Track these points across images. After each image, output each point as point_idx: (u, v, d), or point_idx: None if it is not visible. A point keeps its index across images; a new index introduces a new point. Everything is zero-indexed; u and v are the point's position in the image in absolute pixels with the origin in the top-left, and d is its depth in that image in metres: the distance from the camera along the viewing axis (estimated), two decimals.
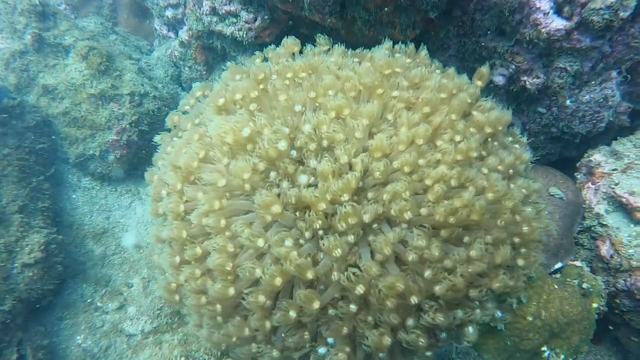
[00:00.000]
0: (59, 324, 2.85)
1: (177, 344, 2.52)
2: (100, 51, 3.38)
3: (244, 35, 3.23)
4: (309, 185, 1.83)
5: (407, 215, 1.72)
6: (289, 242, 1.72)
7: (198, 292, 1.89)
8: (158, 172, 2.36)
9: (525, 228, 1.95)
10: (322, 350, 1.84)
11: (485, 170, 1.98)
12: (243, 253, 1.84)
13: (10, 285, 2.61)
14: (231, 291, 1.78)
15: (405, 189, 1.74)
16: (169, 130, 2.62)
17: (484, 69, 2.35)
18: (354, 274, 1.70)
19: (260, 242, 1.72)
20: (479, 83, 2.28)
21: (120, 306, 2.92)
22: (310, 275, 1.69)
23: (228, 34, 3.29)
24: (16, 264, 2.65)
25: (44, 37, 3.33)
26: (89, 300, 2.96)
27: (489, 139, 2.21)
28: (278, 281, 1.69)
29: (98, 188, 3.47)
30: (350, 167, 1.87)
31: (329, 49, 2.50)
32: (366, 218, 1.72)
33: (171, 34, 4.05)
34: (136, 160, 3.50)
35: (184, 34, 3.65)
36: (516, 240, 1.97)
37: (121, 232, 3.26)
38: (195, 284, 1.86)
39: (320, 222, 1.73)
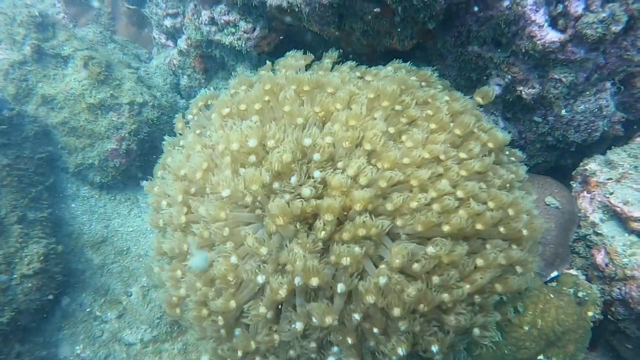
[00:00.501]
0: (57, 334, 2.86)
1: (177, 353, 2.53)
2: (99, 60, 3.40)
3: (243, 45, 3.26)
4: (312, 198, 1.86)
5: (419, 228, 1.75)
6: (298, 249, 1.73)
7: (200, 304, 1.90)
8: (158, 183, 2.38)
9: (525, 232, 2.00)
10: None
11: (483, 186, 2.02)
12: (247, 261, 1.86)
13: (9, 297, 2.61)
14: (232, 304, 1.79)
15: (415, 201, 1.78)
16: (172, 136, 2.64)
17: (489, 90, 2.40)
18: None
19: (264, 250, 1.74)
20: (480, 100, 2.32)
21: (119, 315, 2.93)
22: (314, 282, 1.70)
23: (227, 43, 3.31)
24: (15, 275, 2.65)
25: (43, 48, 3.35)
26: (88, 310, 2.96)
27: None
28: (283, 291, 1.71)
29: (97, 197, 3.48)
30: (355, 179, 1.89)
31: (335, 63, 2.53)
32: (374, 232, 1.76)
33: (170, 43, 4.07)
34: (135, 169, 3.52)
35: (182, 43, 3.67)
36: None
37: (120, 241, 3.27)
38: (196, 297, 1.87)
39: (324, 232, 1.75)
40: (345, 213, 1.85)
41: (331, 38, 2.98)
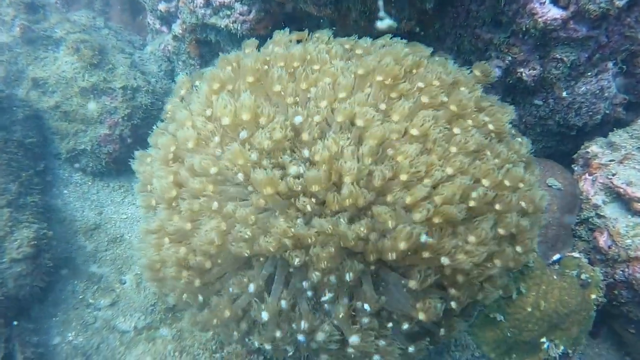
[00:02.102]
0: (49, 321, 2.79)
1: (170, 339, 2.46)
2: (92, 44, 3.32)
3: (239, 28, 3.20)
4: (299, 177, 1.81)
5: (408, 201, 1.69)
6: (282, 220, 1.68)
7: (180, 266, 1.86)
8: (148, 161, 2.31)
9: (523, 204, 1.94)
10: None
11: (478, 163, 1.96)
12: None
13: None
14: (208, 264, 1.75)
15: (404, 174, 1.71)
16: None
17: (488, 65, 2.33)
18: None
19: (252, 219, 1.69)
20: (479, 75, 2.25)
21: (112, 303, 2.86)
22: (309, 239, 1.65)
23: (222, 26, 3.25)
24: (4, 259, 2.58)
25: (33, 30, 3.27)
26: (80, 297, 2.89)
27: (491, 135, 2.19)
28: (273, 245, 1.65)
29: (90, 184, 3.40)
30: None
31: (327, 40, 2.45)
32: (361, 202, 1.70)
33: (164, 29, 4.00)
34: (129, 155, 3.44)
35: (177, 28, 3.60)
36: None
37: (114, 228, 3.20)
38: (177, 257, 1.82)
39: (309, 206, 1.70)
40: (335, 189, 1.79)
41: (328, 20, 2.93)
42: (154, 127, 2.45)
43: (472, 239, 1.76)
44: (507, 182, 1.94)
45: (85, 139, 3.29)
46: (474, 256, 1.73)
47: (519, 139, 2.21)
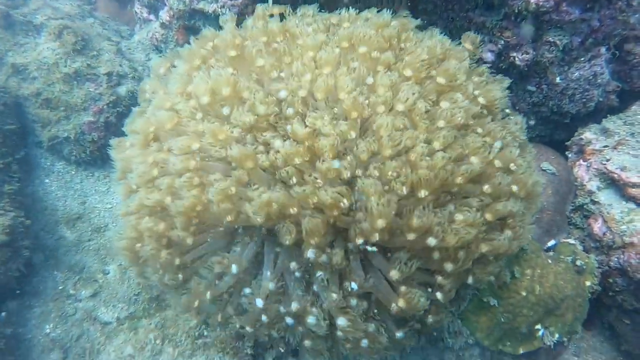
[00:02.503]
0: (25, 312, 2.67)
1: (153, 327, 2.36)
2: (74, 30, 3.24)
3: (227, 12, 3.13)
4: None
5: (390, 176, 1.62)
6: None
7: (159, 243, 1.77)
8: (128, 145, 2.23)
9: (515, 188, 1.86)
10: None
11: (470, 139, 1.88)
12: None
13: None
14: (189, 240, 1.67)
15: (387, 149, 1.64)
16: None
17: (471, 34, 2.24)
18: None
19: (233, 190, 1.61)
20: (469, 47, 2.19)
21: (94, 293, 2.75)
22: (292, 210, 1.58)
23: (210, 12, 3.19)
24: None
25: (11, 14, 3.17)
26: (60, 288, 2.78)
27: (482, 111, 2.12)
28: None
29: (73, 173, 3.30)
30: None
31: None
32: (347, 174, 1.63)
33: (152, 17, 3.92)
34: None
35: (164, 15, 3.52)
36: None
37: (98, 218, 3.10)
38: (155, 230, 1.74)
39: (294, 178, 1.63)
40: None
41: (317, 5, 2.87)
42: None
43: (459, 217, 1.68)
44: (497, 163, 1.87)
45: (68, 127, 3.19)
46: (463, 237, 1.65)
47: (513, 117, 2.14)
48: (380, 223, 1.56)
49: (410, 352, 2.48)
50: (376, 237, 1.59)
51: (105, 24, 4.01)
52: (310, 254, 1.62)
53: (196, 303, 1.77)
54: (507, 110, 2.21)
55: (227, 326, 1.89)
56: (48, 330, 2.60)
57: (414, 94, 1.78)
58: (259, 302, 1.71)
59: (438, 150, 1.71)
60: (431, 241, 1.64)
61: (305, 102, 1.85)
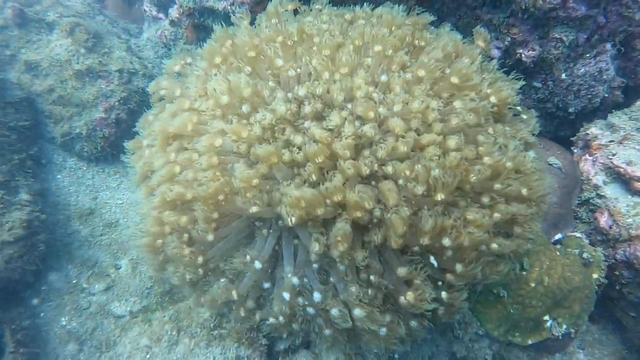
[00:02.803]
0: (42, 305, 2.71)
1: (167, 320, 2.40)
2: (86, 28, 3.28)
3: (237, 10, 3.16)
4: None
5: (404, 174, 1.67)
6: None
7: (181, 241, 1.81)
8: (145, 141, 2.26)
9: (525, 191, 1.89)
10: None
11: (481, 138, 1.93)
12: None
13: None
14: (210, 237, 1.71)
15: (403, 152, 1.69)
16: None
17: (482, 30, 2.28)
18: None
19: (255, 182, 1.65)
20: (482, 44, 2.23)
21: (107, 287, 2.80)
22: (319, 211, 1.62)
23: (220, 9, 3.22)
24: None
25: (25, 12, 3.21)
26: (74, 282, 2.82)
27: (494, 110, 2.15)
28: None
29: (85, 168, 3.34)
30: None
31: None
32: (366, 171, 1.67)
33: (161, 15, 3.96)
34: (125, 139, 3.38)
35: (174, 12, 3.56)
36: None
37: (109, 214, 3.14)
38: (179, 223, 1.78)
39: (314, 175, 1.68)
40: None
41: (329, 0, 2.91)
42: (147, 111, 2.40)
43: (470, 216, 1.73)
44: (509, 164, 1.91)
45: (80, 123, 3.23)
46: (475, 238, 1.70)
47: (525, 116, 2.18)
48: (401, 231, 1.62)
49: (420, 344, 2.52)
50: (398, 244, 1.65)
51: (114, 22, 4.05)
52: (336, 254, 1.67)
53: (220, 302, 1.80)
54: (519, 108, 2.24)
55: (247, 319, 1.93)
56: (64, 323, 2.64)
57: (427, 94, 1.83)
58: (286, 296, 1.75)
59: (453, 150, 1.76)
60: (446, 242, 1.70)
61: (323, 100, 1.89)
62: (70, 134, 3.25)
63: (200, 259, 1.86)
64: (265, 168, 1.72)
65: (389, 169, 1.74)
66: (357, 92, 1.84)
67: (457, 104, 1.92)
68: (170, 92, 2.33)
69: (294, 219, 1.61)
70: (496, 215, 1.79)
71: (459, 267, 1.77)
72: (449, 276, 1.82)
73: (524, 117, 2.27)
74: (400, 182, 1.71)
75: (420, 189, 1.65)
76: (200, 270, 1.88)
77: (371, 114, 1.75)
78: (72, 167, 3.31)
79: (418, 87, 1.87)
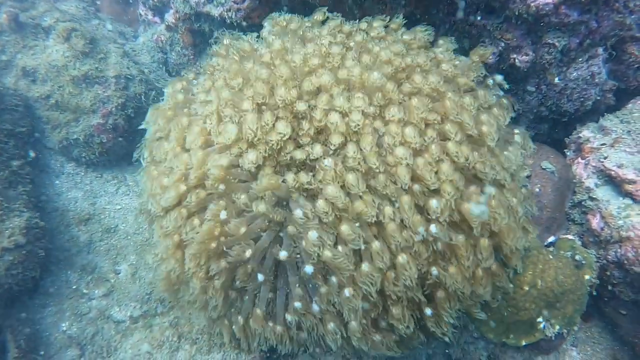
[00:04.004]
0: (42, 311, 2.73)
1: (168, 326, 2.43)
2: (82, 33, 3.28)
3: (233, 16, 3.18)
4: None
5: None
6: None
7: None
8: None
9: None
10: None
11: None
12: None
13: None
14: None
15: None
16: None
17: (486, 51, 2.37)
18: None
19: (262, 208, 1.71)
20: (475, 58, 2.28)
21: (107, 293, 2.82)
22: None
23: (216, 15, 3.24)
24: None
25: (21, 17, 3.21)
26: (74, 287, 2.85)
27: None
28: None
29: (82, 174, 3.35)
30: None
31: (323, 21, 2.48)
32: None
33: (157, 19, 3.97)
34: (123, 146, 3.40)
35: (170, 17, 3.57)
36: None
37: (108, 219, 3.16)
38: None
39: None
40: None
41: (323, 8, 2.93)
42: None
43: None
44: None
45: (77, 129, 3.24)
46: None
47: (518, 138, 2.25)
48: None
49: (416, 347, 2.56)
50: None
51: (109, 26, 4.05)
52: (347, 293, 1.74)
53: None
54: (516, 131, 2.31)
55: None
56: (64, 328, 2.67)
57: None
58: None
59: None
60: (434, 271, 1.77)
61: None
62: (67, 140, 3.27)
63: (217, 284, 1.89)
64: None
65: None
66: (364, 143, 1.88)
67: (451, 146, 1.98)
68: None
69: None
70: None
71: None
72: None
73: (518, 139, 2.34)
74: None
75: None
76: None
77: (373, 161, 1.82)
78: (70, 173, 3.32)
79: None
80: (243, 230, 1.78)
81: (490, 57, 2.90)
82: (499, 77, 2.55)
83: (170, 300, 2.01)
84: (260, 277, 1.84)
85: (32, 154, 3.13)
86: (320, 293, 1.85)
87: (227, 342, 1.95)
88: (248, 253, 1.80)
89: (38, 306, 2.76)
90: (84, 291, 2.83)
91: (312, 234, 1.72)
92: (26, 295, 2.75)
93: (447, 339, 1.99)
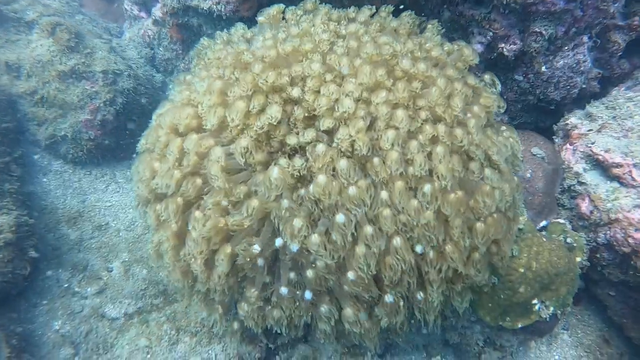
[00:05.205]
0: (33, 310, 2.67)
1: (165, 320, 2.40)
2: (67, 27, 3.21)
3: (222, 9, 3.16)
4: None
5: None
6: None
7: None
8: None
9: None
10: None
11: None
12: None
13: None
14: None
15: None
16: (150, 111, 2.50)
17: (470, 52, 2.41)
18: None
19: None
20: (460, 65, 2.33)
21: (100, 290, 2.77)
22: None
23: (205, 8, 3.20)
24: None
25: (2, 11, 3.13)
26: (65, 286, 2.78)
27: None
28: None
29: (71, 171, 3.28)
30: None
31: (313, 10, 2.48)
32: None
33: (143, 14, 3.91)
34: (112, 142, 3.34)
35: (157, 12, 3.53)
36: None
37: (98, 216, 3.10)
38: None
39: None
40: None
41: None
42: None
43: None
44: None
45: (64, 125, 3.17)
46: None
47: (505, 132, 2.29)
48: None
49: (414, 333, 2.59)
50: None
51: (93, 21, 3.98)
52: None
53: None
54: (503, 127, 2.35)
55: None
56: (57, 327, 2.61)
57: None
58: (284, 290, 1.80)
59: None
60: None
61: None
62: (54, 137, 3.19)
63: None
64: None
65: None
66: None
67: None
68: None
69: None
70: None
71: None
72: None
73: (505, 133, 2.39)
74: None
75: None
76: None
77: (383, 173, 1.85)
78: (58, 170, 3.25)
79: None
80: (247, 223, 1.78)
81: (479, 47, 2.95)
82: (487, 77, 2.60)
83: (178, 292, 1.99)
84: (261, 261, 1.83)
85: (18, 151, 3.04)
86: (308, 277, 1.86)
87: (228, 331, 1.94)
88: (256, 248, 1.80)
89: (29, 305, 2.69)
90: (76, 289, 2.77)
91: (297, 221, 1.75)
92: (16, 294, 2.68)
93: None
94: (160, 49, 3.74)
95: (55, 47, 3.12)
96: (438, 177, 1.85)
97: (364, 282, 1.83)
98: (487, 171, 1.94)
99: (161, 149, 1.99)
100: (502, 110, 2.37)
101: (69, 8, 3.75)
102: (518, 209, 2.29)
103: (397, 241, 1.82)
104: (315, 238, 1.74)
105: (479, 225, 1.92)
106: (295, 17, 2.38)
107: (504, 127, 2.49)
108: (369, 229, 1.79)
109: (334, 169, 1.80)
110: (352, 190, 1.76)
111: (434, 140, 1.95)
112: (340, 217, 1.76)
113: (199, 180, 1.88)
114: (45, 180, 3.18)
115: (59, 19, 3.27)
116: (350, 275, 1.80)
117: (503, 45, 2.88)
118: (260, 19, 2.42)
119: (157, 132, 2.06)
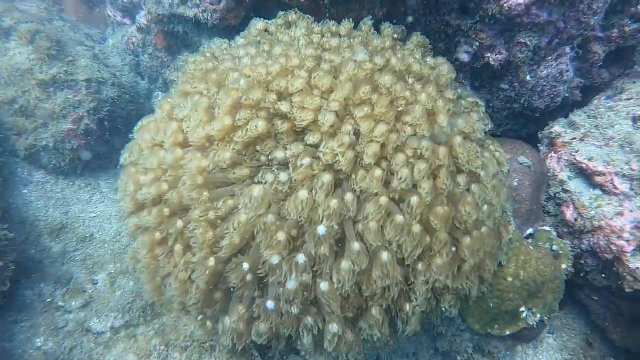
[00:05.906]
0: (13, 327, 2.58)
1: (154, 334, 2.35)
2: (48, 35, 3.14)
3: (209, 18, 3.12)
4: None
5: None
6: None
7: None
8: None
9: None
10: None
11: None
12: None
13: None
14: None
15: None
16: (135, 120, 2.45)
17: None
18: None
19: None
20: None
21: (85, 304, 2.70)
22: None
23: (191, 16, 3.17)
24: None
25: None
26: (48, 300, 2.70)
27: None
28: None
29: (53, 182, 3.20)
30: None
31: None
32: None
33: (127, 21, 3.84)
34: (96, 151, 3.27)
35: (142, 19, 3.47)
36: None
37: (82, 228, 3.02)
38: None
39: None
40: None
41: (300, 8, 2.93)
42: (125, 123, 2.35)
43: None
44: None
45: (46, 135, 3.09)
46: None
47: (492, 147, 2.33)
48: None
49: (405, 341, 2.60)
50: None
51: (75, 27, 3.89)
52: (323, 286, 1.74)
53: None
54: (489, 141, 2.38)
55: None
56: (39, 344, 2.53)
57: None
58: (271, 305, 1.78)
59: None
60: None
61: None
62: (35, 147, 3.11)
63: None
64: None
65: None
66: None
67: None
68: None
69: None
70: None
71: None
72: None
73: (492, 148, 2.43)
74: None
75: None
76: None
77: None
78: (39, 182, 3.16)
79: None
80: (237, 241, 1.77)
81: (465, 57, 2.99)
82: (470, 99, 2.67)
83: (155, 300, 1.95)
84: (250, 276, 1.82)
85: None
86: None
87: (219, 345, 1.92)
88: (246, 266, 1.79)
89: (9, 322, 2.61)
90: (60, 304, 2.70)
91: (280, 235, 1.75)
92: None
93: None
94: (145, 56, 3.68)
95: (35, 55, 3.03)
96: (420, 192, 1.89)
97: (339, 296, 1.84)
98: (474, 187, 1.97)
99: (145, 162, 1.96)
100: (487, 129, 2.40)
101: (48, 14, 3.66)
102: (509, 223, 2.33)
103: (384, 256, 1.82)
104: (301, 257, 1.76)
105: (466, 239, 1.94)
106: (279, 30, 2.38)
107: (489, 141, 2.53)
108: (356, 246, 1.80)
109: (317, 183, 1.81)
110: (334, 203, 1.77)
111: (418, 155, 1.98)
112: (321, 229, 1.77)
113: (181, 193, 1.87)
114: (26, 191, 3.09)
115: (38, 26, 3.19)
116: (323, 286, 1.81)
117: (489, 55, 2.92)
118: (240, 40, 2.42)
119: (141, 146, 2.03)
